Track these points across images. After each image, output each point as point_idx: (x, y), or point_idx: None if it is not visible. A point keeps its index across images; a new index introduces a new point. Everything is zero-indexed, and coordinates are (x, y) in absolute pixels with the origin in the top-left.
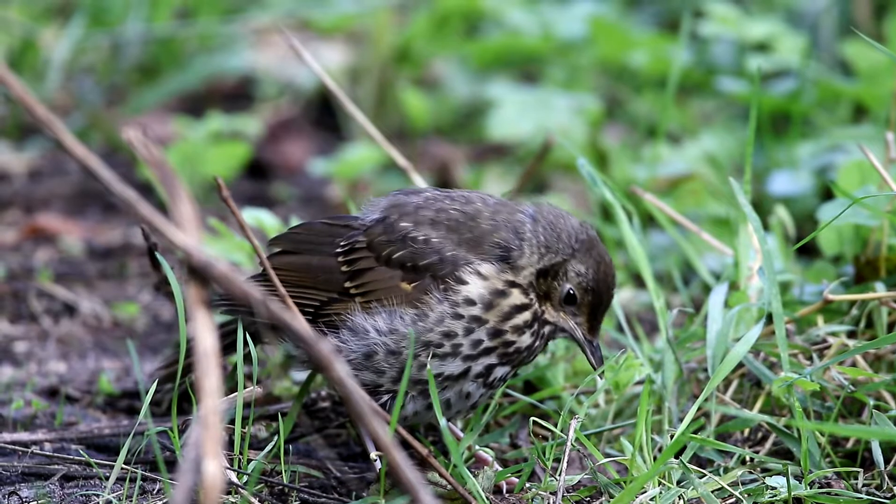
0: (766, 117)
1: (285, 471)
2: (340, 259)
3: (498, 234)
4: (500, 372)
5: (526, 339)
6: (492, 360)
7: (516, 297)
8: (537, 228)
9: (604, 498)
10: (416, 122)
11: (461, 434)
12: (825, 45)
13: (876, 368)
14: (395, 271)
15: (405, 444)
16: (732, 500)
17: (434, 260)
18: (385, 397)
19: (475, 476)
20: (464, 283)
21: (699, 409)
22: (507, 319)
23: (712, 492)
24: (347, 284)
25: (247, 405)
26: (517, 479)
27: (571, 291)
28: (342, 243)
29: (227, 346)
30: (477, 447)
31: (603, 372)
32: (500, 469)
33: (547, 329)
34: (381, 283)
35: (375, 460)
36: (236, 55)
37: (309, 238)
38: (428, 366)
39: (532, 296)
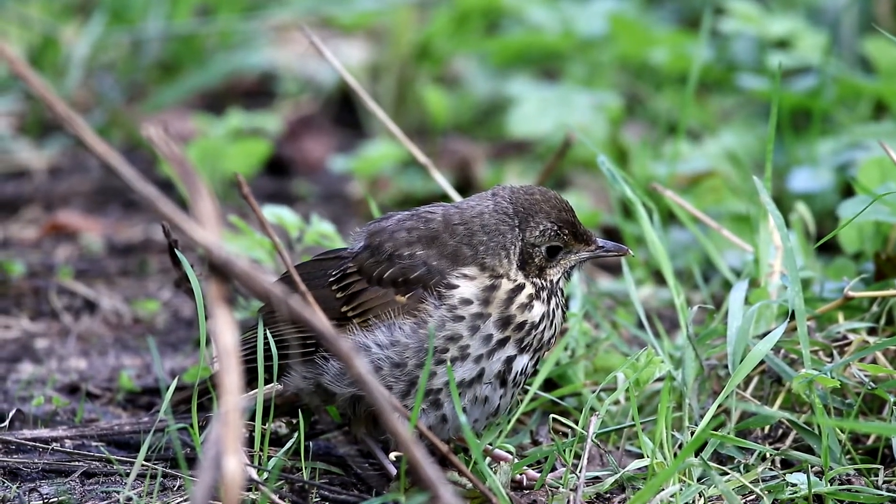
0: (786, 114)
1: (305, 468)
2: (334, 287)
3: (462, 248)
4: (519, 364)
5: (537, 311)
6: (509, 351)
7: (506, 285)
8: (481, 238)
9: (624, 494)
10: (437, 119)
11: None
12: (846, 42)
13: None
14: (388, 288)
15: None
16: (753, 496)
17: (423, 271)
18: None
19: (494, 472)
20: (454, 286)
21: (719, 405)
22: (510, 304)
23: (733, 489)
24: (344, 309)
25: (267, 402)
26: (537, 474)
27: (550, 246)
28: (334, 273)
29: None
30: (492, 448)
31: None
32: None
33: (562, 282)
34: (376, 301)
35: (395, 460)
36: (256, 52)
37: (303, 274)
38: (448, 364)
39: (520, 278)
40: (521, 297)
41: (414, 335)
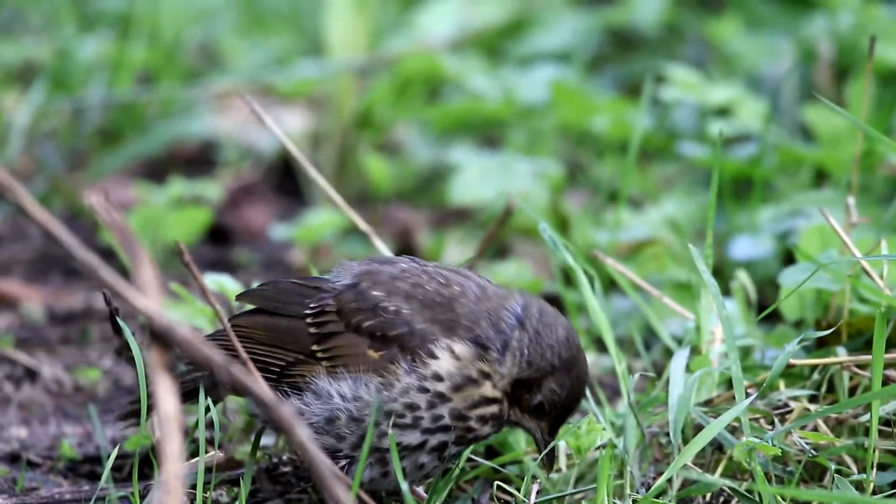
0: (727, 182)
1: None
2: (309, 321)
3: (479, 325)
4: (454, 449)
5: (486, 430)
6: (447, 437)
7: (488, 389)
8: (523, 338)
9: None
10: (378, 186)
11: (424, 495)
12: (786, 109)
13: (837, 433)
14: (363, 339)
15: None
16: None
17: (404, 331)
18: (343, 462)
19: None
20: (435, 357)
21: (660, 474)
22: (475, 408)
23: None
24: (314, 347)
25: (208, 470)
26: None
27: (542, 404)
28: (312, 305)
29: (186, 395)
30: None
31: (551, 466)
32: None
33: (508, 425)
34: (348, 350)
35: None
36: (198, 120)
37: (278, 297)
38: (390, 433)
39: (501, 394)
40: (488, 411)
41: (377, 395)
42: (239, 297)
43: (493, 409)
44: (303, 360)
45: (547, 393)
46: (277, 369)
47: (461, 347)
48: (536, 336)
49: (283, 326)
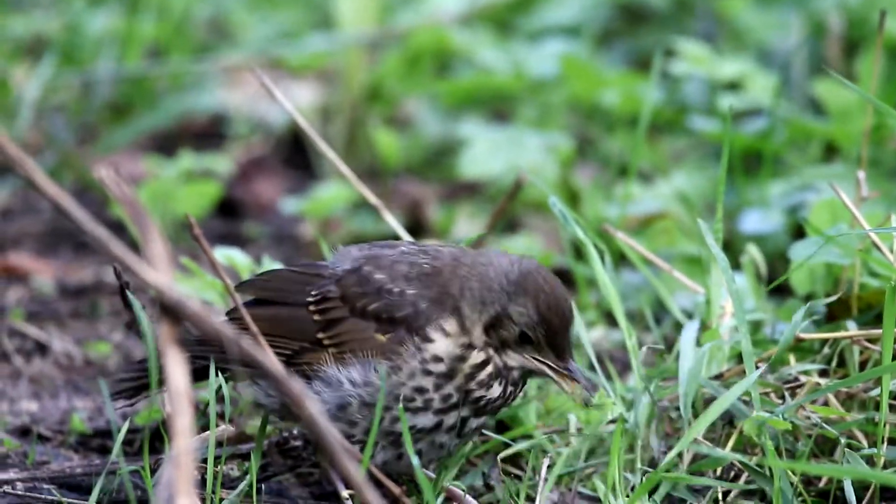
0: (737, 156)
1: None
2: (312, 308)
3: (451, 289)
4: (474, 423)
5: (496, 391)
6: (464, 412)
7: (475, 356)
8: (472, 284)
9: None
10: (388, 160)
11: (432, 476)
12: (796, 84)
13: (848, 407)
14: (370, 323)
15: (377, 484)
16: None
17: (409, 312)
18: (355, 447)
19: None
20: (430, 340)
21: (671, 447)
22: (471, 379)
23: None
24: (320, 335)
25: (219, 444)
26: None
27: (523, 332)
28: (313, 293)
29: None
30: (448, 484)
31: (588, 401)
32: (473, 503)
33: (516, 374)
34: (355, 335)
35: (347, 500)
36: (208, 94)
37: (278, 286)
38: (402, 418)
39: (490, 350)
40: (484, 374)
41: (388, 379)
42: (238, 288)
43: (489, 369)
44: (308, 349)
45: (517, 317)
46: (283, 359)
47: (451, 324)
48: (480, 277)
49: (285, 315)
